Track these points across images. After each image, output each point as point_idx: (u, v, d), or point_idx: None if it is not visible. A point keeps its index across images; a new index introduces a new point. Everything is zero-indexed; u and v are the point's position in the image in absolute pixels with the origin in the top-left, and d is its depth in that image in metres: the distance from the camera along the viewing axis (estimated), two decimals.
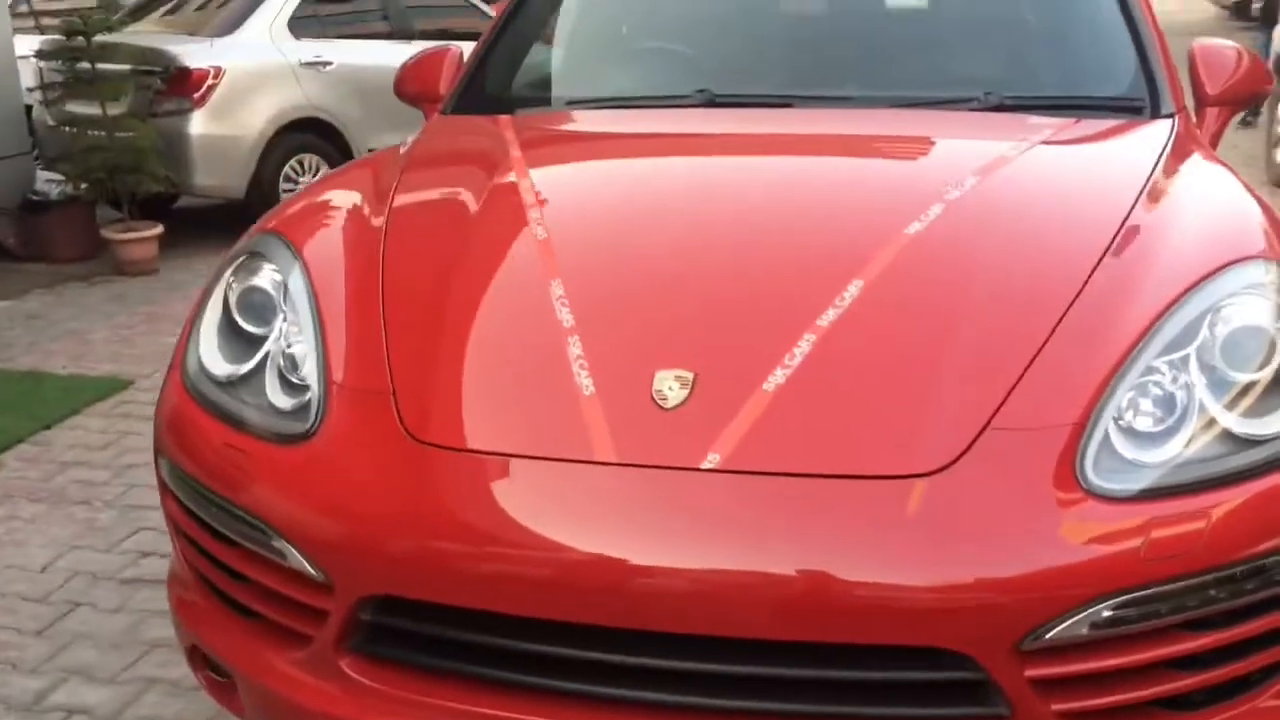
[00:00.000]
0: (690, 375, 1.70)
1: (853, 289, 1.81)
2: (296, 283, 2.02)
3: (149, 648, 2.89)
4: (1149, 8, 2.84)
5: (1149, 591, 1.55)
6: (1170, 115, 2.54)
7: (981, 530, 1.55)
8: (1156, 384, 1.69)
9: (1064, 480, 1.59)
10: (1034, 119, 2.50)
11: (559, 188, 2.32)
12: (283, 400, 1.89)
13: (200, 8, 7.59)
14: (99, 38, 6.29)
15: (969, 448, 1.60)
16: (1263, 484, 1.63)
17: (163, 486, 2.06)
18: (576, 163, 2.54)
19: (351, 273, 2.05)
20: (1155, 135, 2.41)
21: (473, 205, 2.22)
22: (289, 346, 1.95)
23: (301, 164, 7.12)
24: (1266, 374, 1.72)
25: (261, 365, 1.95)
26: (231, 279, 2.10)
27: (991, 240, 1.95)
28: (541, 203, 2.16)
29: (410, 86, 3.19)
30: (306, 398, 1.86)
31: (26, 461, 4.02)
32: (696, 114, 2.67)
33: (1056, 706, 1.57)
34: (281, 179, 7.02)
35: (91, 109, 6.42)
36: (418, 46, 7.64)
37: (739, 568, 1.55)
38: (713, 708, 1.60)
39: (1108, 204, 2.04)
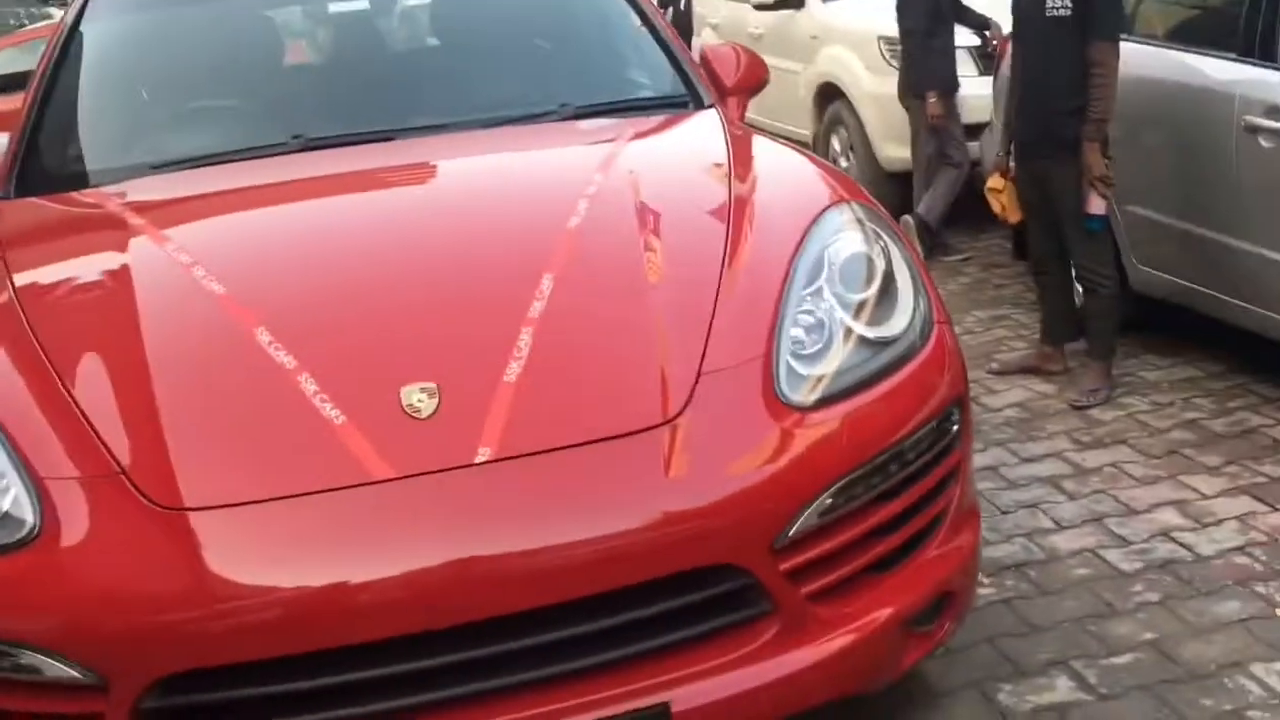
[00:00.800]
0: (434, 385, 1.80)
1: (546, 281, 1.99)
2: None
3: None
4: (663, 18, 3.29)
5: (850, 476, 1.88)
6: (711, 105, 2.97)
7: (725, 455, 1.81)
8: (806, 313, 2.04)
9: (770, 401, 1.89)
10: (609, 121, 2.82)
11: (203, 246, 2.25)
12: None
13: None
14: None
15: (693, 392, 1.85)
16: (899, 376, 2.03)
17: None
18: (206, 220, 2.48)
19: (6, 364, 1.89)
20: (711, 122, 2.82)
21: (117, 274, 2.11)
22: None
23: None
24: (875, 289, 2.13)
25: None
26: None
27: (637, 221, 2.21)
28: (196, 261, 2.11)
29: None
30: (9, 499, 1.71)
31: None
32: (298, 159, 2.69)
33: (805, 590, 1.85)
34: None
35: None
36: None
37: (541, 544, 1.68)
38: (523, 682, 1.71)
39: (712, 174, 2.39)
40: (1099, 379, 4.10)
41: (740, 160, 2.53)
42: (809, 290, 2.07)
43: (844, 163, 6.95)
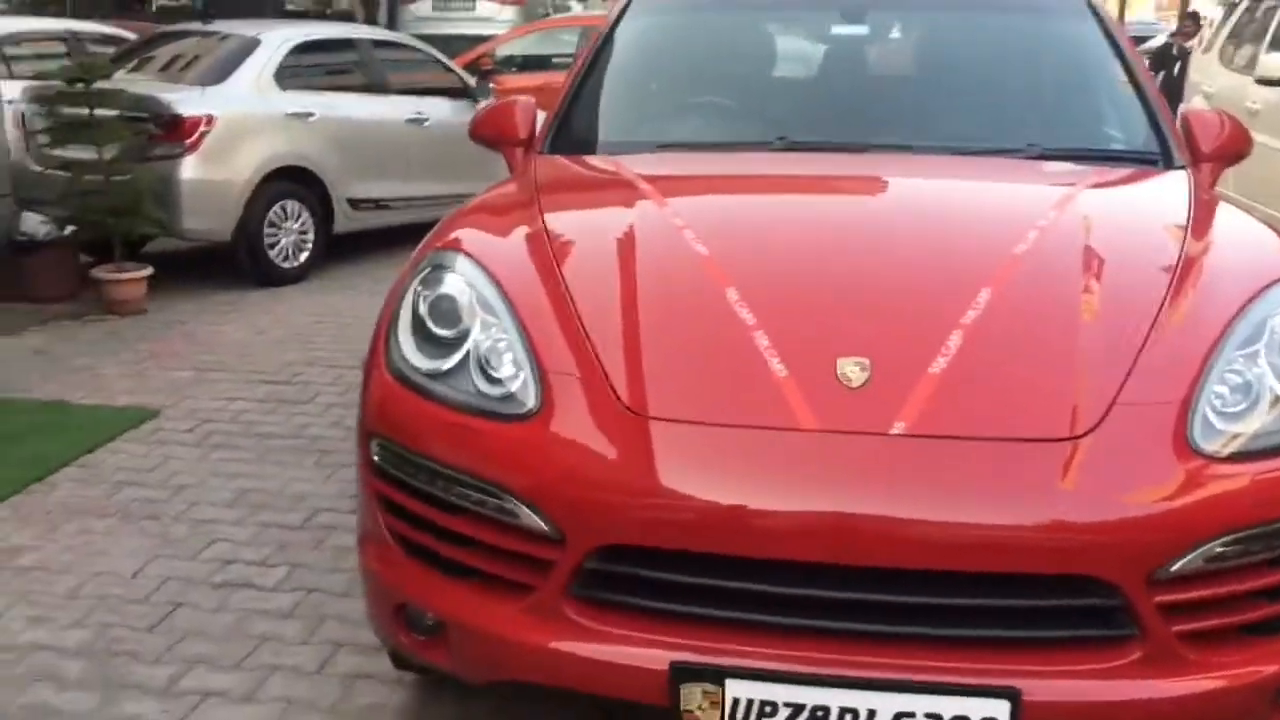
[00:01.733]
0: (867, 361, 2.06)
1: (984, 294, 2.20)
2: (487, 288, 2.33)
3: (261, 640, 3.10)
4: (1150, 78, 3.34)
5: (1247, 532, 1.94)
6: (1183, 167, 3.01)
7: (1122, 482, 1.93)
8: (1235, 373, 2.10)
9: (1179, 444, 1.98)
10: (1074, 166, 2.95)
11: (698, 212, 2.67)
12: (490, 388, 2.19)
13: (178, 59, 7.77)
14: (97, 84, 6.45)
15: (1104, 418, 1.98)
16: None
17: (369, 466, 2.32)
18: (703, 191, 2.91)
19: (534, 276, 2.37)
20: (1177, 182, 2.87)
21: (624, 226, 2.55)
22: (488, 345, 2.24)
23: (284, 209, 7.32)
24: None
25: (464, 362, 2.24)
26: (420, 289, 2.39)
27: (1082, 258, 2.35)
28: (688, 225, 2.51)
29: (487, 131, 3.51)
30: (518, 383, 2.16)
31: (79, 483, 4.16)
32: (779, 156, 3.05)
33: (1176, 627, 1.94)
34: (265, 224, 7.21)
35: (87, 153, 6.55)
36: (391, 99, 8.05)
37: (919, 517, 1.90)
38: (894, 634, 1.94)
39: (1166, 232, 2.48)
40: None
41: (1200, 222, 2.59)
42: (1243, 352, 2.12)
43: None
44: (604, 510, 1.98)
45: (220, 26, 8.04)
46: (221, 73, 7.23)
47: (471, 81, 8.95)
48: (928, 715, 1.88)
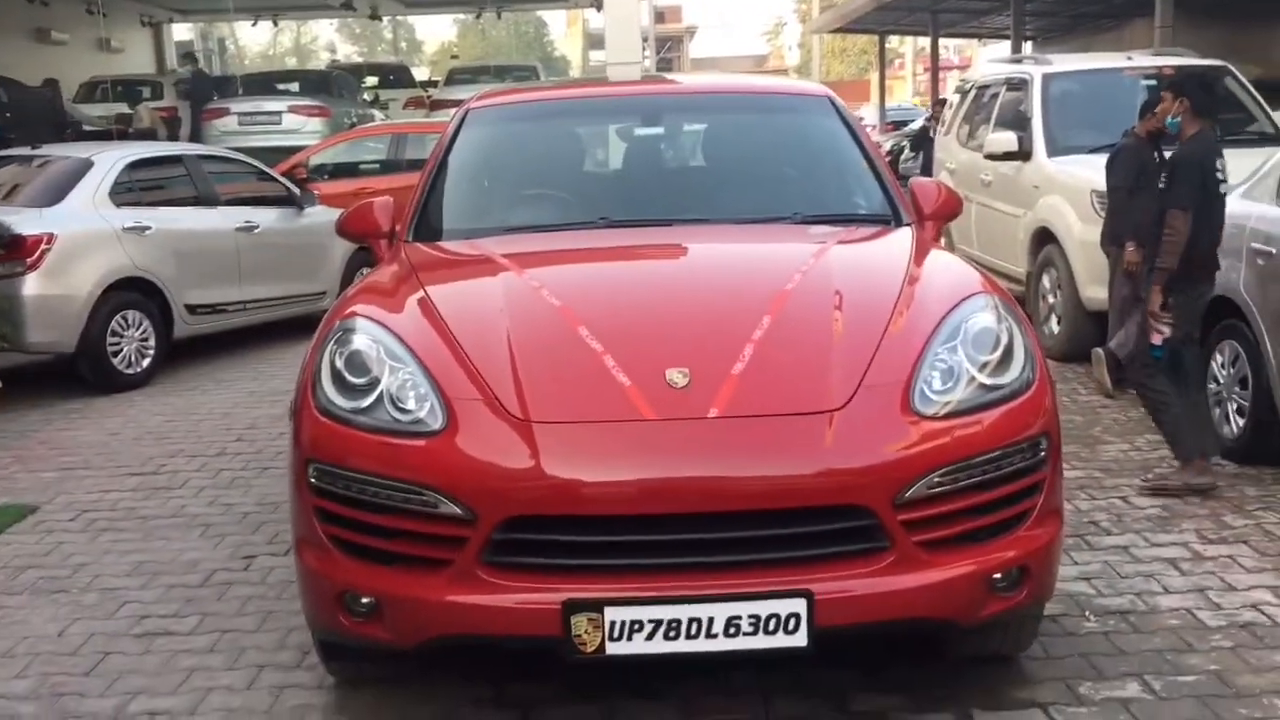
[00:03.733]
0: (687, 370, 2.84)
1: (766, 319, 3.02)
2: (392, 342, 3.00)
3: (190, 670, 3.59)
4: (879, 152, 4.31)
5: (952, 466, 2.78)
6: (909, 224, 3.95)
7: (869, 438, 2.75)
8: (941, 361, 2.96)
9: (905, 410, 2.82)
10: (827, 228, 3.85)
11: (546, 275, 3.45)
12: (403, 418, 2.86)
13: (7, 184, 8.06)
14: None
15: (853, 396, 2.81)
16: (1001, 409, 2.92)
17: (306, 487, 2.93)
18: (546, 260, 3.67)
19: (428, 331, 3.06)
20: (904, 235, 3.80)
21: (493, 289, 3.29)
22: (397, 386, 2.91)
23: (126, 319, 7.68)
24: (997, 354, 3.02)
25: (379, 401, 2.90)
26: (335, 348, 3.04)
27: (836, 290, 3.20)
28: (543, 286, 3.27)
29: (353, 228, 4.19)
30: (425, 410, 2.83)
31: None
32: (603, 231, 3.85)
33: (915, 537, 2.75)
34: (108, 333, 7.55)
35: None
36: (222, 210, 8.54)
37: (740, 473, 2.67)
38: (721, 564, 2.68)
39: (893, 270, 3.36)
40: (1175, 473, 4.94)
41: (918, 261, 3.50)
42: (946, 345, 2.99)
43: (1051, 299, 7.71)
44: (506, 492, 2.68)
45: (46, 151, 8.39)
46: (58, 193, 7.60)
47: (296, 190, 9.52)
48: (750, 616, 2.63)
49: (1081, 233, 7.25)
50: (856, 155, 4.24)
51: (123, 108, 17.98)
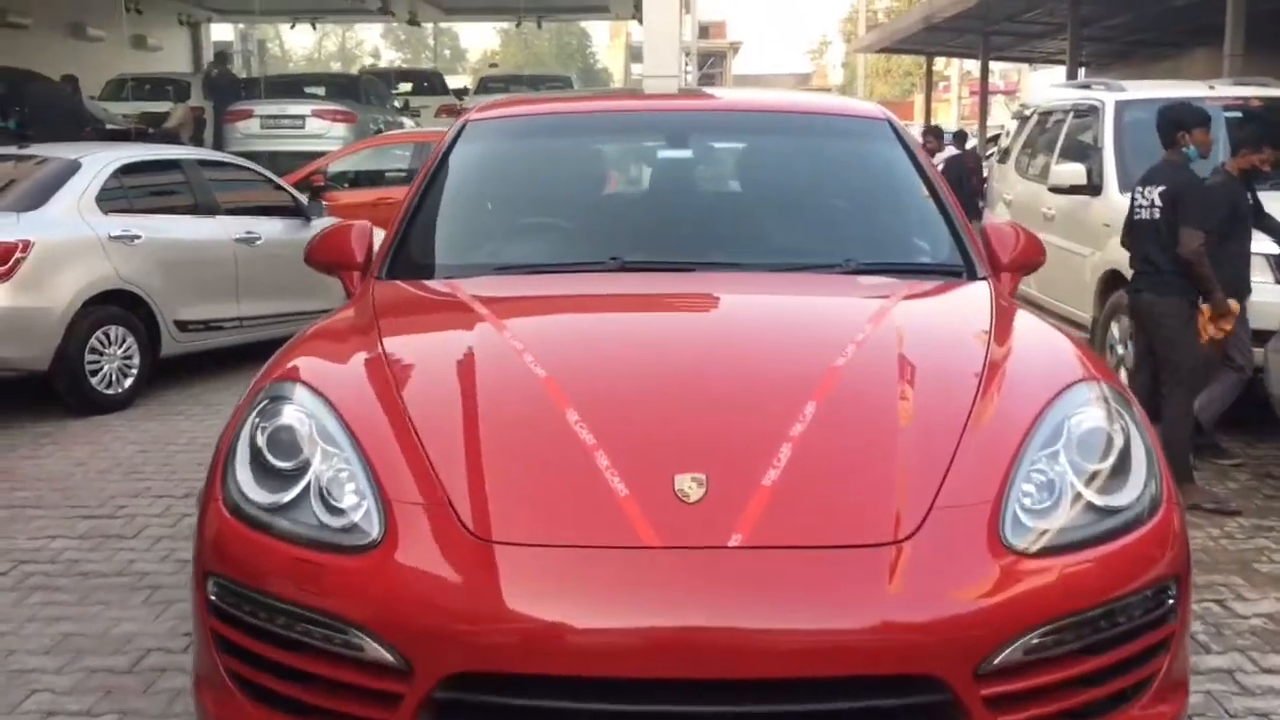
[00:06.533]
0: (704, 477, 2.14)
1: (810, 407, 2.31)
2: (328, 419, 2.33)
3: None
4: (951, 192, 3.59)
5: (1055, 622, 2.07)
6: (984, 278, 3.24)
7: (944, 580, 2.04)
8: (1039, 472, 2.26)
9: (992, 542, 2.11)
10: (886, 280, 3.14)
11: (534, 335, 2.73)
12: (332, 519, 2.18)
13: None
14: None
15: (923, 522, 2.10)
16: (1120, 542, 2.21)
17: (205, 606, 2.26)
18: (538, 313, 2.97)
19: (374, 404, 2.38)
20: (981, 292, 3.09)
21: (464, 351, 2.59)
22: (328, 475, 2.24)
23: (108, 335, 7.09)
24: (1109, 463, 2.32)
25: (304, 495, 2.23)
26: (258, 420, 2.37)
27: (897, 368, 2.50)
28: (527, 348, 2.56)
29: (322, 257, 3.53)
30: (360, 513, 2.16)
31: None
32: (613, 277, 3.15)
33: (1003, 718, 2.04)
34: (87, 351, 6.95)
35: None
36: (220, 219, 7.94)
37: (765, 626, 1.97)
38: None
39: (972, 341, 2.66)
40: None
41: (1001, 330, 2.79)
42: (1045, 452, 2.29)
43: (1121, 350, 6.95)
44: (452, 638, 1.99)
45: (38, 150, 7.82)
46: (39, 197, 7.01)
47: (303, 199, 8.91)
48: None
49: None
50: (921, 191, 3.53)
51: (148, 106, 17.53)
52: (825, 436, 2.27)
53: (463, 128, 3.78)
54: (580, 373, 2.53)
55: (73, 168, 7.23)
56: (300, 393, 2.42)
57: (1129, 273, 6.87)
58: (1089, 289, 7.39)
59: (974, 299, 3.05)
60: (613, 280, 3.14)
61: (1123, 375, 6.96)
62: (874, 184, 3.66)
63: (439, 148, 3.73)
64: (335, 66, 58.69)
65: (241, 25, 33.02)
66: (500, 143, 3.79)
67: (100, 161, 7.38)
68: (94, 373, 6.99)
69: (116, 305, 7.13)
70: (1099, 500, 2.25)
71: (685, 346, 2.71)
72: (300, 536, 2.16)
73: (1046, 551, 2.14)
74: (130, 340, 7.22)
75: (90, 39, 21.59)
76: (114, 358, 7.12)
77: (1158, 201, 5.38)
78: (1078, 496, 2.24)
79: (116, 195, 7.35)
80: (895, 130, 3.74)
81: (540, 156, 3.74)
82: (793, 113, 4.04)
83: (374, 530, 2.13)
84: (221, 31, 31.49)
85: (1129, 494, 2.28)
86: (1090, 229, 7.45)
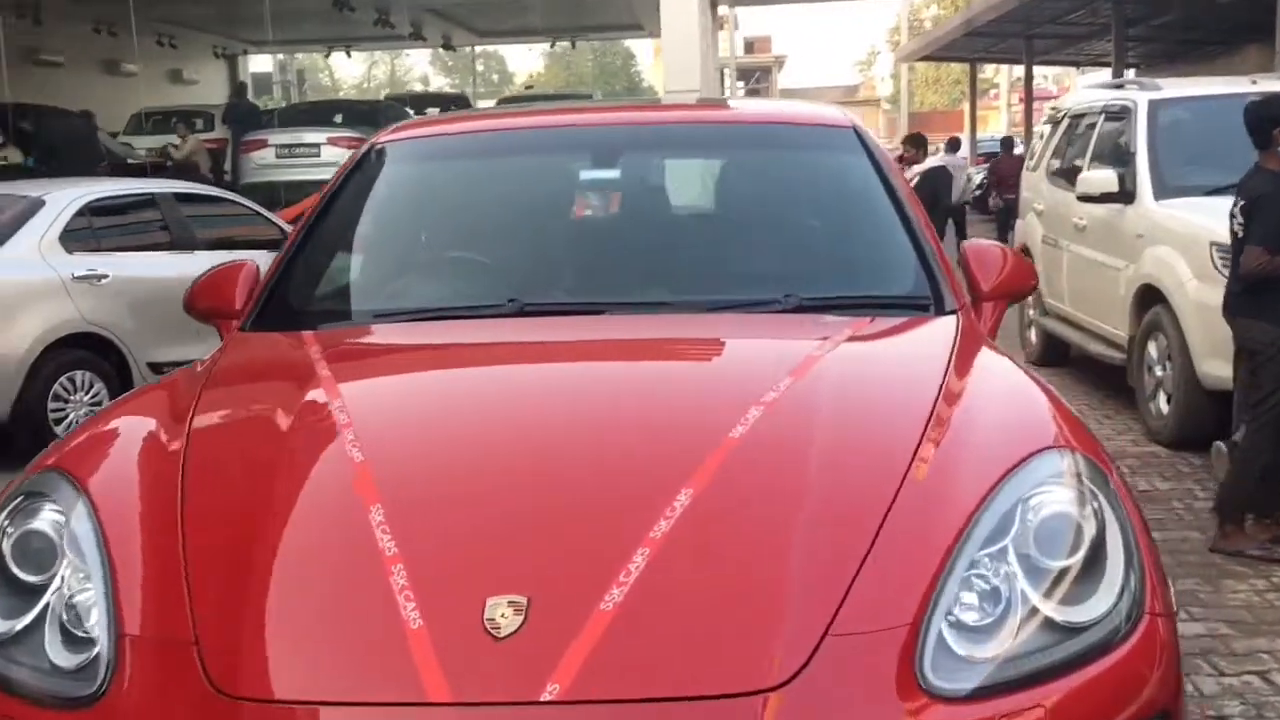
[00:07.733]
0: (524, 600, 1.63)
1: (683, 498, 1.79)
2: (81, 524, 1.86)
3: None
4: (921, 211, 3.04)
5: None
6: (954, 312, 2.69)
7: None
8: (980, 577, 1.73)
9: (905, 683, 1.58)
10: (832, 319, 2.60)
11: (372, 407, 2.24)
12: (65, 658, 1.71)
13: None
14: None
15: (811, 658, 1.57)
16: (1085, 674, 1.67)
17: None
18: (387, 378, 2.48)
19: (146, 509, 1.90)
20: (943, 332, 2.54)
21: (280, 428, 2.11)
22: (72, 596, 1.77)
23: (73, 381, 6.73)
24: (1077, 560, 1.78)
25: (41, 619, 1.76)
26: (6, 523, 1.91)
27: (809, 443, 1.97)
28: (354, 423, 2.07)
29: (202, 303, 3.06)
30: (93, 653, 1.68)
31: None
32: (507, 324, 2.65)
33: None
34: (50, 398, 6.60)
35: None
36: (197, 255, 7.58)
37: None
38: None
39: (911, 403, 2.11)
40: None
41: (957, 380, 2.25)
42: (990, 550, 1.75)
43: (1159, 371, 6.33)
44: None
45: (4, 188, 7.52)
46: None
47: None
48: None
49: (1197, 293, 5.87)
50: (887, 210, 2.98)
51: (173, 139, 17.40)
52: (694, 538, 1.74)
53: (367, 151, 3.30)
54: (402, 456, 2.02)
55: (35, 206, 6.89)
56: (65, 487, 1.95)
57: (1164, 287, 6.27)
58: (1124, 304, 6.77)
59: (933, 340, 2.50)
60: (501, 328, 2.63)
61: (1161, 400, 6.34)
62: (829, 203, 3.11)
63: (336, 175, 3.26)
64: (384, 94, 58.86)
65: (280, 56, 33.12)
66: (402, 167, 3.30)
67: (65, 199, 7.04)
68: (58, 421, 6.63)
69: (83, 349, 6.77)
70: (1059, 615, 1.71)
71: (547, 418, 2.16)
72: (11, 681, 1.69)
73: (983, 692, 1.60)
74: (99, 386, 6.86)
75: (125, 74, 21.60)
76: (80, 404, 6.75)
77: (1239, 216, 4.65)
78: (1032, 611, 1.70)
79: (83, 234, 7.00)
80: (861, 139, 3.19)
81: (444, 182, 3.24)
82: (741, 124, 3.49)
83: (98, 677, 1.65)
84: (261, 63, 31.56)
85: (1100, 604, 1.73)
86: (1124, 240, 6.83)
